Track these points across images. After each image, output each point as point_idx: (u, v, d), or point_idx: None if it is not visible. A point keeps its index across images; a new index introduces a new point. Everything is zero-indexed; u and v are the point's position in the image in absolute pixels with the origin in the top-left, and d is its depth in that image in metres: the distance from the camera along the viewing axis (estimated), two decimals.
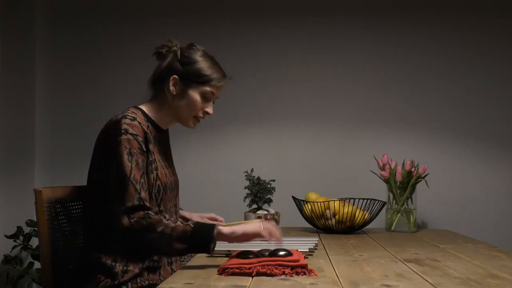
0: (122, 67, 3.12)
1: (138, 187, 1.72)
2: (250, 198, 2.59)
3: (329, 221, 2.56)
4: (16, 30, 2.90)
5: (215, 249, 1.81)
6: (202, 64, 1.89)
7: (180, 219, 1.74)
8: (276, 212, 2.59)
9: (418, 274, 1.53)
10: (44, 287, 1.86)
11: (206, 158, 3.11)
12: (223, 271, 1.51)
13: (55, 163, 3.10)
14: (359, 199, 2.64)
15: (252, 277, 1.47)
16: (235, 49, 3.10)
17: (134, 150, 1.76)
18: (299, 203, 2.65)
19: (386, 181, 2.68)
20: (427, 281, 1.43)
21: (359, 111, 3.09)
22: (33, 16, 2.94)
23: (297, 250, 1.75)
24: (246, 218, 2.53)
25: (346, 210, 2.52)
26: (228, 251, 1.83)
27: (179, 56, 1.89)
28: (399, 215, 2.64)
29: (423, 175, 2.66)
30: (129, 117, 1.80)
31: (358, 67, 3.10)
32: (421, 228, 2.86)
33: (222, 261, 1.69)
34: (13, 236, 2.74)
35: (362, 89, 3.09)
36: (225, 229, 1.71)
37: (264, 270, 1.48)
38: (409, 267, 1.64)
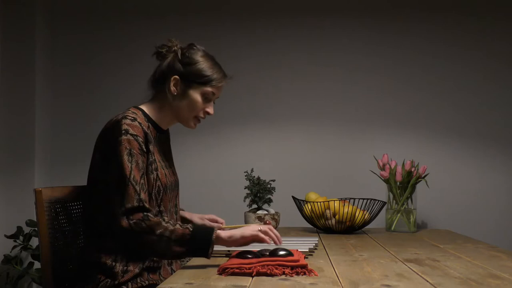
0: (122, 67, 3.12)
1: (137, 188, 1.72)
2: (250, 198, 2.59)
3: (329, 221, 2.56)
4: (16, 30, 2.90)
5: (216, 249, 1.82)
6: (203, 65, 1.89)
7: (179, 222, 1.73)
8: (276, 212, 2.59)
9: (418, 274, 1.53)
10: (44, 287, 1.86)
11: (206, 158, 3.11)
12: (223, 271, 1.51)
13: (55, 163, 3.10)
14: (359, 199, 2.64)
15: (252, 277, 1.47)
16: (235, 49, 3.10)
17: (134, 151, 1.76)
18: (299, 203, 2.65)
19: (386, 181, 2.68)
20: (427, 281, 1.43)
21: (359, 111, 3.09)
22: (33, 16, 2.94)
23: (297, 250, 1.75)
24: (246, 218, 2.53)
25: (346, 210, 2.52)
26: (228, 251, 1.83)
27: (179, 56, 1.89)
28: (399, 215, 2.64)
29: (423, 175, 2.66)
30: (130, 117, 1.80)
31: (359, 67, 3.10)
32: (421, 228, 2.86)
33: (222, 261, 1.69)
34: (13, 236, 2.74)
35: (362, 89, 3.09)
36: (224, 234, 1.71)
37: (264, 270, 1.48)
38: (409, 267, 1.64)
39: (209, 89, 1.90)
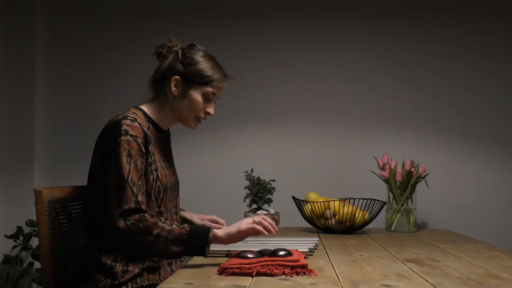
0: (122, 67, 3.12)
1: (135, 190, 1.72)
2: (250, 198, 2.60)
3: (329, 221, 2.56)
4: (16, 30, 2.90)
5: (216, 249, 1.82)
6: (204, 65, 1.90)
7: (175, 222, 1.74)
8: (276, 212, 2.59)
9: (418, 274, 1.53)
10: (44, 287, 1.86)
11: (206, 158, 3.11)
12: (223, 271, 1.51)
13: (55, 163, 3.10)
14: (359, 199, 2.64)
15: (252, 277, 1.47)
16: (235, 49, 3.10)
17: (133, 152, 1.76)
18: (299, 203, 2.65)
19: (386, 181, 2.68)
20: (427, 281, 1.43)
21: (359, 111, 3.09)
22: (33, 16, 2.94)
23: (297, 250, 1.75)
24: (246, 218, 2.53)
25: (346, 210, 2.52)
26: (228, 251, 1.83)
27: (180, 57, 1.90)
28: (399, 215, 2.64)
29: (423, 175, 2.66)
30: (130, 117, 1.80)
31: (358, 67, 3.10)
32: (421, 228, 2.86)
33: (222, 261, 1.69)
34: (13, 236, 2.74)
35: (362, 89, 3.09)
36: (220, 232, 1.72)
37: (264, 270, 1.48)
38: (409, 267, 1.64)
39: (209, 89, 1.90)
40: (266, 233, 1.73)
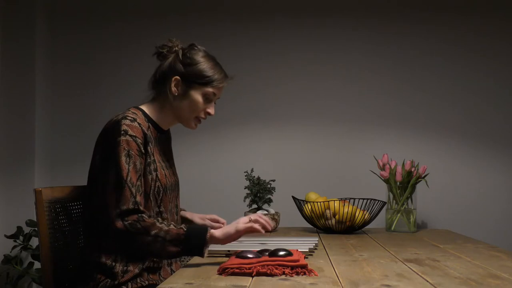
0: (122, 67, 3.12)
1: (133, 191, 1.73)
2: (250, 198, 2.60)
3: (329, 221, 2.56)
4: (16, 30, 2.90)
5: (216, 249, 1.82)
6: (204, 65, 1.90)
7: (172, 223, 1.75)
8: (276, 212, 2.59)
9: (418, 274, 1.53)
10: (44, 287, 1.86)
11: (206, 158, 3.11)
12: (223, 271, 1.52)
13: (55, 163, 3.10)
14: (359, 199, 2.64)
15: (252, 277, 1.47)
16: (235, 49, 3.10)
17: (133, 152, 1.76)
18: (299, 203, 2.65)
19: (386, 181, 2.68)
20: (427, 281, 1.43)
21: (359, 111, 3.09)
22: (33, 16, 2.94)
23: (297, 250, 1.75)
24: None
25: (346, 210, 2.52)
26: (228, 251, 1.83)
27: (180, 57, 1.90)
28: (399, 215, 2.64)
29: (423, 175, 2.66)
30: (129, 117, 1.80)
31: (358, 67, 3.10)
32: (421, 228, 2.86)
33: (222, 261, 1.69)
34: (13, 236, 2.74)
35: (362, 89, 3.09)
36: (217, 232, 1.73)
37: (264, 270, 1.48)
38: (409, 267, 1.64)
39: (210, 89, 1.90)
40: (263, 231, 1.76)
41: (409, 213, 2.64)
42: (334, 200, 2.57)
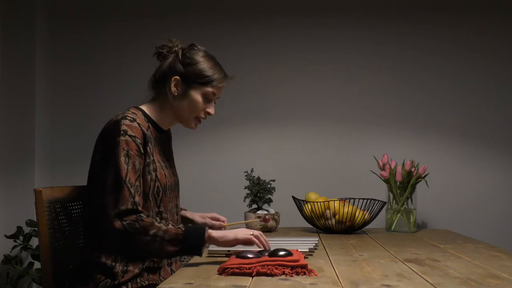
0: (122, 67, 3.12)
1: (132, 191, 1.73)
2: (250, 198, 2.60)
3: (329, 221, 2.56)
4: (16, 30, 2.90)
5: (216, 249, 1.82)
6: (204, 65, 1.90)
7: (171, 222, 1.75)
8: (276, 212, 2.59)
9: (418, 274, 1.53)
10: (44, 287, 1.86)
11: (206, 158, 3.11)
12: (223, 271, 1.52)
13: (55, 163, 3.10)
14: (359, 199, 2.64)
15: (252, 277, 1.47)
16: (235, 49, 3.10)
17: (132, 152, 1.76)
18: (299, 203, 2.65)
19: (386, 181, 2.68)
20: (427, 281, 1.43)
21: (359, 111, 3.09)
22: (33, 16, 2.94)
23: (297, 250, 1.75)
24: (246, 218, 2.53)
25: (346, 210, 2.52)
26: (228, 251, 1.83)
27: (180, 57, 1.90)
28: (399, 215, 2.64)
29: (423, 175, 2.66)
30: (129, 118, 1.80)
31: (358, 67, 3.10)
32: (421, 228, 2.86)
33: (222, 261, 1.69)
34: (13, 236, 2.74)
35: (362, 89, 3.09)
36: (215, 233, 1.75)
37: (264, 270, 1.48)
38: (409, 267, 1.64)
39: (210, 89, 1.90)
40: (260, 247, 1.77)
41: (409, 213, 2.64)
42: (334, 200, 2.57)
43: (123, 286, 1.75)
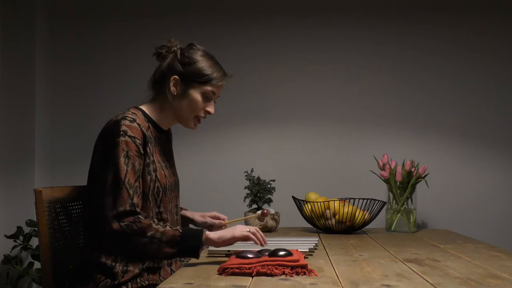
0: (122, 67, 3.12)
1: (131, 192, 1.73)
2: (250, 198, 2.60)
3: (329, 221, 2.56)
4: (16, 30, 2.90)
5: (216, 249, 1.82)
6: (203, 64, 1.90)
7: (168, 224, 1.75)
8: (276, 212, 2.59)
9: (418, 274, 1.53)
10: (44, 287, 1.86)
11: (206, 158, 3.11)
12: (223, 271, 1.52)
13: (55, 163, 3.10)
14: (359, 199, 2.64)
15: (252, 277, 1.47)
16: (235, 49, 3.10)
17: (131, 153, 1.76)
18: (299, 203, 2.65)
19: (386, 181, 2.68)
20: (427, 281, 1.43)
21: (359, 111, 3.09)
22: (33, 16, 2.94)
23: (297, 250, 1.75)
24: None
25: (346, 210, 2.52)
26: (228, 251, 1.83)
27: (179, 57, 1.90)
28: (399, 215, 2.64)
29: (423, 175, 2.66)
30: (129, 118, 1.80)
31: (358, 67, 3.10)
32: (421, 228, 2.86)
33: (222, 261, 1.69)
34: (13, 236, 2.74)
35: (362, 89, 3.09)
36: (213, 235, 1.75)
37: (264, 270, 1.48)
38: (409, 267, 1.64)
39: (209, 88, 1.90)
40: (258, 243, 1.78)
41: (409, 213, 2.64)
42: (334, 200, 2.57)
43: (123, 286, 1.75)
